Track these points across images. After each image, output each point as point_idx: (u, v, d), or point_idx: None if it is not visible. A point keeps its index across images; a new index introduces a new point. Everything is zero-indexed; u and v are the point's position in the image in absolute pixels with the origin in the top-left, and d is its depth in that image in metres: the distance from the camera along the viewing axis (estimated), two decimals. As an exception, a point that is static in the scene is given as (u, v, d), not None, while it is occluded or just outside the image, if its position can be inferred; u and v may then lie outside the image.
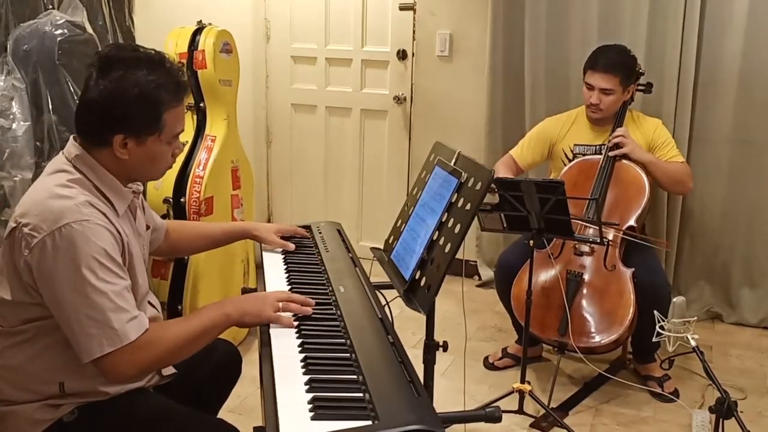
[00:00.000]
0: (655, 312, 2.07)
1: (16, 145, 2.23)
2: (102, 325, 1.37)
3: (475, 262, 3.93)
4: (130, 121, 1.45)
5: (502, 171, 2.98)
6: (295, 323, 1.51)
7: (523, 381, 2.54)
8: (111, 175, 1.50)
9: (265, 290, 1.75)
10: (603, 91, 2.79)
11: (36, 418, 1.48)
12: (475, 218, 1.64)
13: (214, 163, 2.81)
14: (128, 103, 1.44)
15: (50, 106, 2.30)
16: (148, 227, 1.74)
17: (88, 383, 1.50)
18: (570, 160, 2.92)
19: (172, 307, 2.82)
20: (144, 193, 2.85)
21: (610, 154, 2.76)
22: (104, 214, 1.44)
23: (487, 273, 3.89)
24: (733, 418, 1.93)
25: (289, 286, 1.75)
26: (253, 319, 1.51)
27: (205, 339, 1.48)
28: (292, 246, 1.94)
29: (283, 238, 2.01)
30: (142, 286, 1.58)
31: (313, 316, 1.55)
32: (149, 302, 1.69)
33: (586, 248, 2.71)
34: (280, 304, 1.53)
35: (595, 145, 2.90)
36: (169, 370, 1.71)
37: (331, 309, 1.60)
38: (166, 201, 2.78)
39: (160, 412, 1.56)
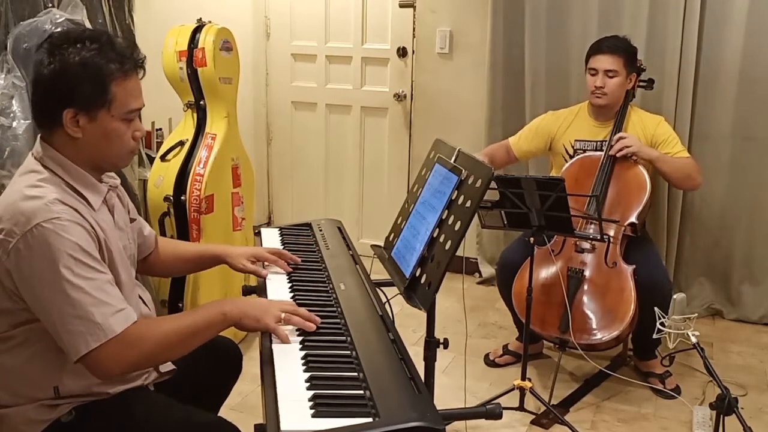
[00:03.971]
0: (656, 309, 2.07)
1: (16, 143, 2.23)
2: (85, 321, 1.35)
3: (476, 259, 3.93)
4: (76, 94, 1.41)
5: (489, 151, 3.09)
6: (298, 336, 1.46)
7: (523, 378, 2.54)
8: (80, 169, 1.47)
9: (265, 287, 1.74)
10: (607, 73, 2.80)
11: (33, 418, 1.46)
12: (476, 215, 1.64)
13: (214, 160, 2.81)
14: (72, 75, 1.41)
15: (50, 105, 2.30)
16: (133, 220, 1.71)
17: (83, 386, 1.48)
18: (571, 156, 2.91)
19: (173, 305, 2.83)
20: (144, 191, 2.87)
21: (618, 154, 2.74)
22: (76, 210, 1.42)
23: (487, 270, 3.88)
24: (734, 415, 1.93)
25: (290, 284, 1.75)
26: (252, 324, 1.47)
27: (200, 338, 1.46)
28: (264, 273, 1.79)
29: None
30: (125, 283, 1.55)
31: (314, 312, 1.54)
32: (141, 299, 1.66)
33: (587, 245, 2.71)
34: (283, 315, 1.48)
35: (597, 141, 2.90)
36: (167, 367, 1.69)
37: (332, 306, 1.60)
38: (166, 199, 2.78)
39: (159, 411, 1.55)
